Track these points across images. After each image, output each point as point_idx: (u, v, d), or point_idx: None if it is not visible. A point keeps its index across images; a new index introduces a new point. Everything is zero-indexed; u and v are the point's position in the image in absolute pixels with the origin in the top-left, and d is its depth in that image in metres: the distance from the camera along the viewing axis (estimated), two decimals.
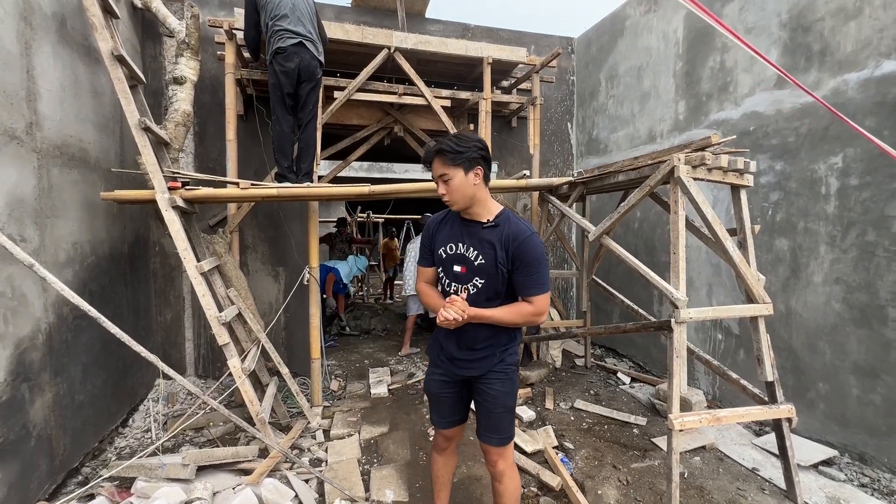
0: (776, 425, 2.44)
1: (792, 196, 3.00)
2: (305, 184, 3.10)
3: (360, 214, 12.17)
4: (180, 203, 2.83)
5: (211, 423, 3.52)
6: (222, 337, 2.85)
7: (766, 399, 2.47)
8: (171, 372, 2.32)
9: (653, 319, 3.40)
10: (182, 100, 3.31)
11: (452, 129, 4.11)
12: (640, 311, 3.60)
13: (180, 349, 4.16)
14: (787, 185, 3.03)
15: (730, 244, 2.39)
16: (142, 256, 3.83)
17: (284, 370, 3.42)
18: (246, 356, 3.12)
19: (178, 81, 3.35)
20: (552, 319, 4.62)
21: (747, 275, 2.42)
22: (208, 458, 2.55)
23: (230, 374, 2.85)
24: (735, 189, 2.58)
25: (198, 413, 3.41)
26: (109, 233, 3.26)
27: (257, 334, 3.35)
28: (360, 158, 8.94)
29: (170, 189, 2.82)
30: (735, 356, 3.42)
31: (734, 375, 2.72)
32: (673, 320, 2.27)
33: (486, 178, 1.74)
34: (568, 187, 3.73)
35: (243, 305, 3.34)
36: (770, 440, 2.91)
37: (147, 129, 2.73)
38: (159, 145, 3.06)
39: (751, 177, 2.55)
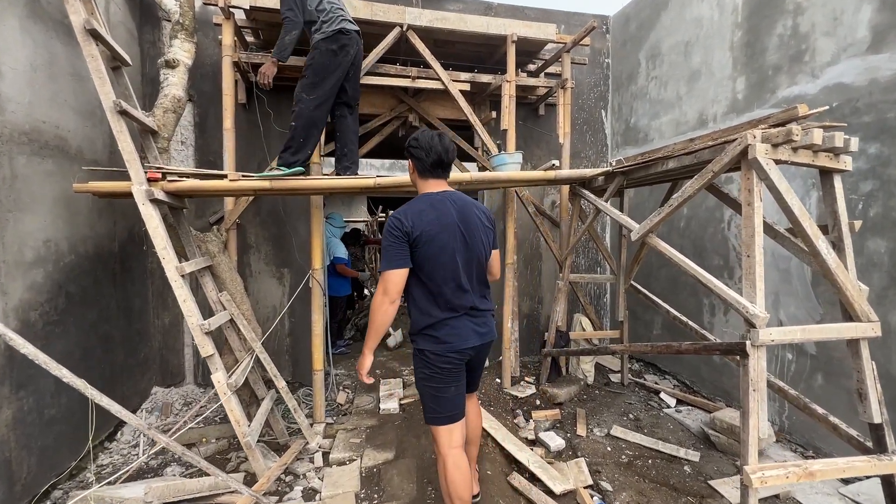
0: (885, 481, 1.88)
1: (892, 186, 2.40)
2: (300, 174, 2.74)
3: (381, 214, 11.89)
4: (160, 196, 2.51)
5: (204, 439, 3.21)
6: (206, 348, 2.51)
7: (871, 445, 1.91)
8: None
9: (714, 339, 2.87)
10: (173, 84, 3.01)
11: (473, 118, 3.68)
12: (692, 324, 3.06)
13: (179, 355, 3.89)
14: (884, 172, 2.44)
15: (823, 245, 1.85)
16: (136, 255, 3.57)
17: (281, 383, 3.07)
18: (235, 370, 2.77)
19: (170, 65, 3.05)
20: (583, 329, 4.11)
21: (846, 285, 1.87)
22: (177, 492, 2.21)
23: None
24: (826, 175, 2.04)
25: (189, 426, 3.11)
26: (95, 229, 3.00)
27: (251, 343, 3.01)
28: (379, 156, 8.63)
29: (149, 181, 2.51)
30: (810, 381, 2.83)
31: (820, 411, 2.16)
32: (749, 342, 1.76)
33: (419, 171, 2.00)
34: (604, 179, 3.22)
35: (236, 311, 3.01)
36: (864, 490, 2.33)
37: (124, 113, 2.43)
38: (145, 133, 2.76)
39: (849, 158, 2.00)
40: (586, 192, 3.33)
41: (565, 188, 4.10)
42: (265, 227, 3.98)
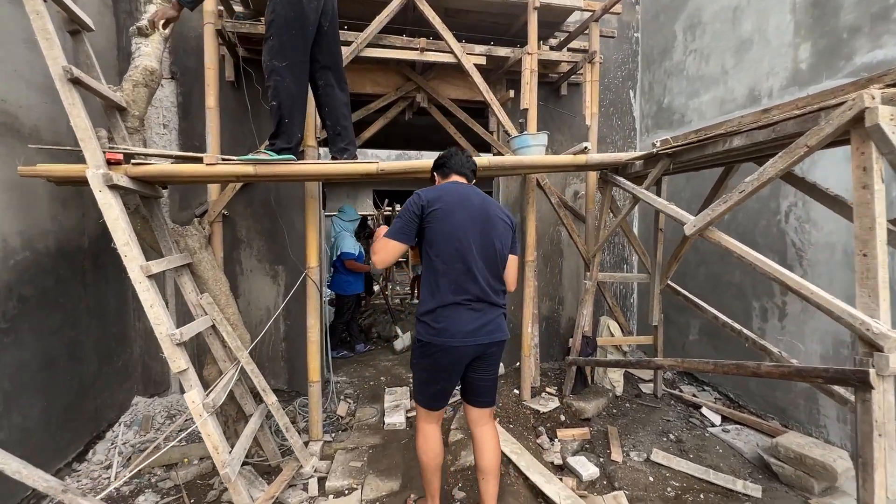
0: None
1: None
2: (290, 159, 2.32)
3: (386, 208, 11.48)
4: (122, 182, 2.12)
5: (185, 459, 2.84)
6: (177, 361, 2.12)
7: None
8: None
9: (780, 354, 2.41)
10: (146, 55, 2.59)
11: (489, 95, 3.24)
12: (750, 334, 2.61)
13: (163, 362, 3.52)
14: None
15: None
16: (112, 251, 3.17)
17: (271, 399, 2.68)
18: (215, 386, 2.39)
19: (143, 32, 2.63)
20: (611, 334, 3.67)
21: None
22: None
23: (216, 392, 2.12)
24: None
25: (170, 444, 2.74)
26: (58, 222, 2.62)
27: (236, 353, 2.62)
28: (383, 146, 8.17)
29: (109, 164, 2.11)
30: None
31: None
32: (873, 371, 1.32)
33: (443, 174, 2.09)
34: (642, 164, 2.77)
35: (220, 316, 2.62)
36: None
37: (77, 83, 2.03)
38: (111, 110, 2.36)
39: None
40: (621, 179, 2.88)
41: (593, 176, 3.65)
42: (257, 219, 3.59)
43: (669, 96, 4.03)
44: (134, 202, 2.46)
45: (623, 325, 3.78)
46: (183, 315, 3.48)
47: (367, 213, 11.37)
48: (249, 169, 2.29)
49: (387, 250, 1.82)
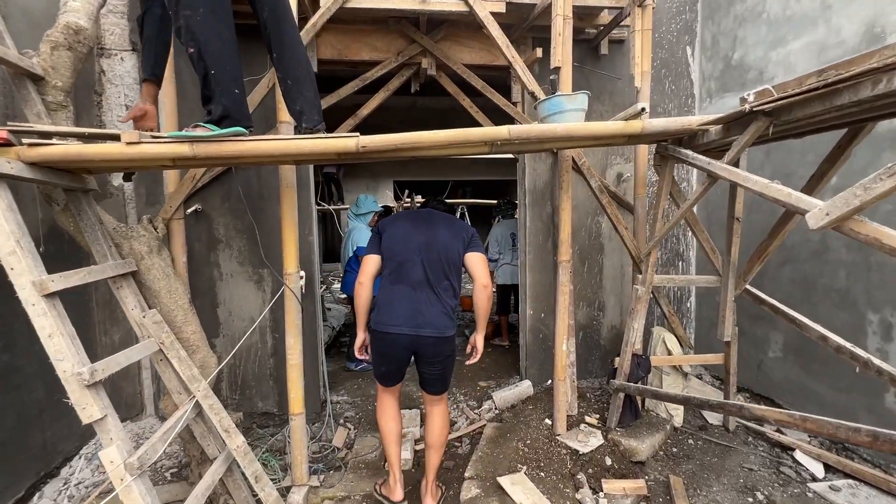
0: None
1: None
2: (237, 133, 1.72)
3: (406, 199, 10.91)
4: (10, 169, 1.58)
5: None
6: (87, 409, 1.60)
7: None
8: None
9: None
10: (73, 10, 2.03)
11: (511, 54, 2.55)
12: (864, 354, 1.84)
13: (134, 381, 3.07)
14: None
15: None
16: (69, 256, 2.72)
17: (235, 442, 2.13)
18: (151, 441, 1.85)
19: None
20: (668, 350, 2.93)
21: None
22: None
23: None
24: None
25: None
26: None
27: (189, 385, 2.08)
28: (386, 129, 7.53)
29: None
30: None
31: None
32: None
33: None
34: (721, 131, 2.02)
35: (170, 339, 2.08)
36: None
37: None
38: (21, 79, 1.84)
39: None
40: (688, 153, 2.14)
41: (643, 153, 2.91)
42: (237, 215, 3.05)
43: (741, 49, 3.19)
44: (54, 195, 1.94)
45: (682, 338, 3.03)
46: None
47: (389, 204, 10.81)
48: (185, 149, 1.70)
49: (366, 262, 2.16)
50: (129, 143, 1.67)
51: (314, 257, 3.14)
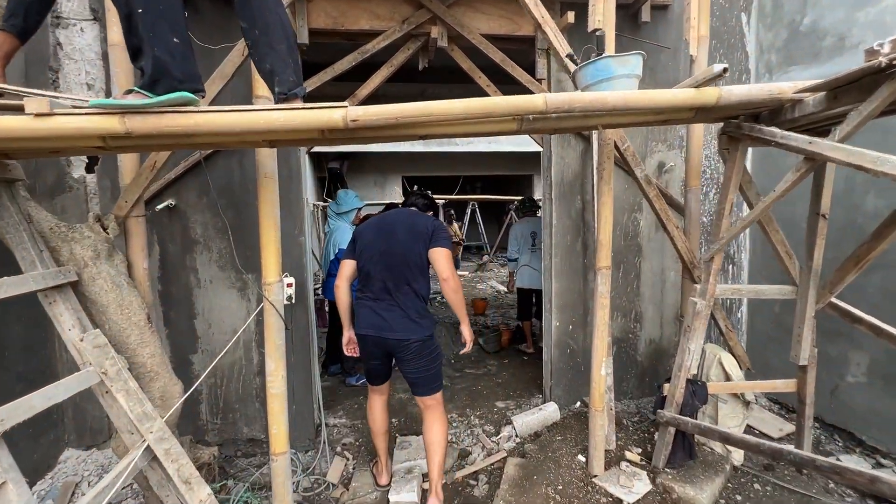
0: None
1: None
2: (182, 100, 1.28)
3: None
4: None
5: None
6: None
7: None
8: None
9: None
10: None
11: (539, 13, 2.06)
12: None
13: (99, 404, 2.66)
14: None
15: None
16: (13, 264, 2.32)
17: (199, 496, 1.70)
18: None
19: None
20: (725, 375, 2.44)
21: None
22: None
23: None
24: None
25: None
26: None
27: (138, 427, 1.66)
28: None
29: None
30: None
31: None
32: None
33: None
34: (825, 101, 1.53)
35: (116, 367, 1.66)
36: None
37: None
38: None
39: None
40: (777, 130, 1.65)
41: (697, 135, 2.42)
42: (217, 212, 2.62)
43: (814, 12, 2.66)
44: None
45: (741, 357, 2.54)
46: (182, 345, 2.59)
47: (396, 201, 10.36)
48: (115, 124, 1.27)
49: (343, 266, 2.26)
50: (37, 116, 1.24)
51: (306, 261, 2.71)
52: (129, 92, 1.30)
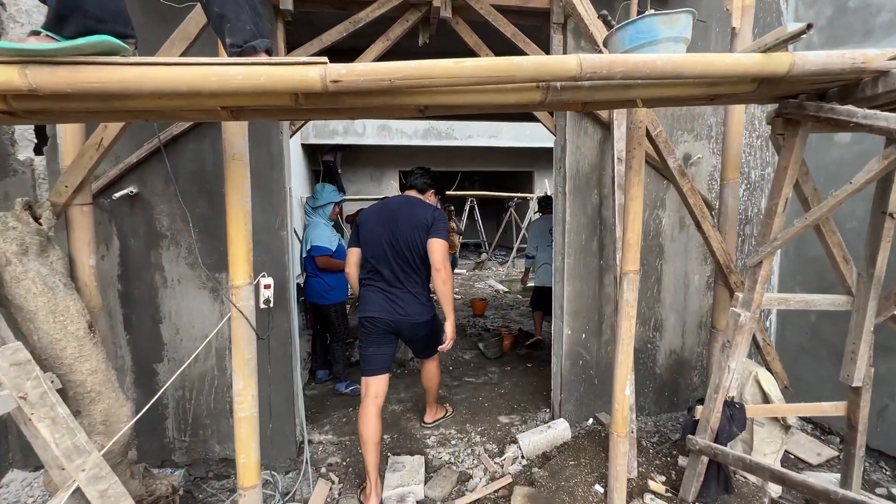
0: None
1: None
2: (102, 44, 0.96)
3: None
4: None
5: None
6: None
7: None
8: None
9: None
10: None
11: None
12: None
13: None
14: None
15: None
16: None
17: None
18: None
19: None
20: (762, 395, 2.15)
21: None
22: None
23: None
24: None
25: None
26: None
27: (65, 465, 1.34)
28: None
29: None
30: None
31: None
32: None
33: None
34: None
35: (38, 390, 1.35)
36: None
37: None
38: None
39: None
40: (857, 109, 1.35)
41: (737, 119, 2.11)
42: (187, 201, 2.29)
43: None
44: None
45: (780, 374, 2.25)
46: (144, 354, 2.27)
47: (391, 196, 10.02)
48: (12, 76, 0.95)
49: (349, 254, 2.37)
50: None
51: (288, 258, 2.39)
52: (36, 34, 0.98)
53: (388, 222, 2.23)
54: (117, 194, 2.16)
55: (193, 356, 1.92)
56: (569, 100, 1.32)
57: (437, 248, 2.16)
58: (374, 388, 2.24)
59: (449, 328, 2.23)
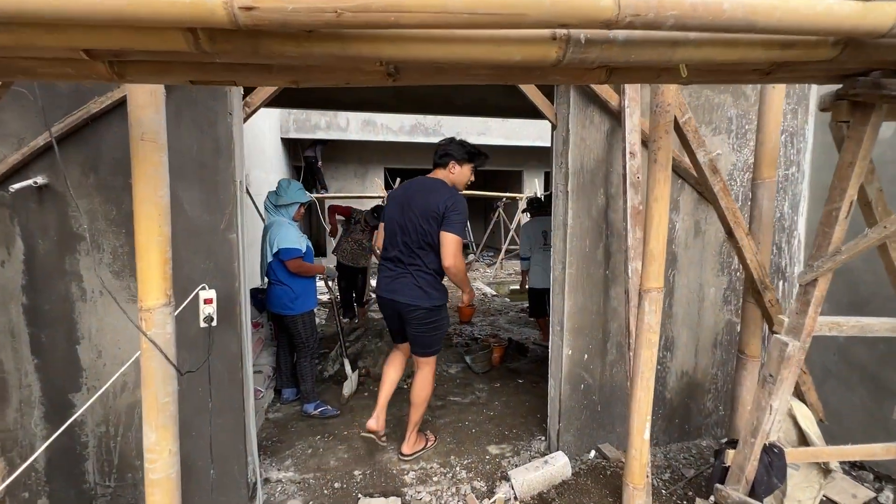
0: None
1: None
2: None
3: (397, 187, 9.76)
4: None
5: None
6: None
7: None
8: None
9: None
10: None
11: None
12: None
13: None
14: None
15: None
16: None
17: None
18: None
19: None
20: (798, 433, 1.82)
21: None
22: None
23: None
24: None
25: None
26: None
27: None
28: (396, 109, 6.22)
29: None
30: None
31: None
32: None
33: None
34: None
35: None
36: None
37: None
38: None
39: None
40: None
41: (776, 104, 1.79)
42: (111, 195, 1.87)
43: None
44: None
45: (815, 406, 1.94)
46: (106, 359, 1.82)
47: (377, 195, 9.62)
48: None
49: (378, 231, 3.10)
50: None
51: (237, 265, 1.98)
52: None
53: (402, 207, 2.28)
54: (16, 186, 1.73)
55: (112, 381, 1.51)
56: (593, 61, 0.96)
57: (448, 244, 2.16)
58: (402, 347, 2.50)
59: (466, 296, 2.47)
